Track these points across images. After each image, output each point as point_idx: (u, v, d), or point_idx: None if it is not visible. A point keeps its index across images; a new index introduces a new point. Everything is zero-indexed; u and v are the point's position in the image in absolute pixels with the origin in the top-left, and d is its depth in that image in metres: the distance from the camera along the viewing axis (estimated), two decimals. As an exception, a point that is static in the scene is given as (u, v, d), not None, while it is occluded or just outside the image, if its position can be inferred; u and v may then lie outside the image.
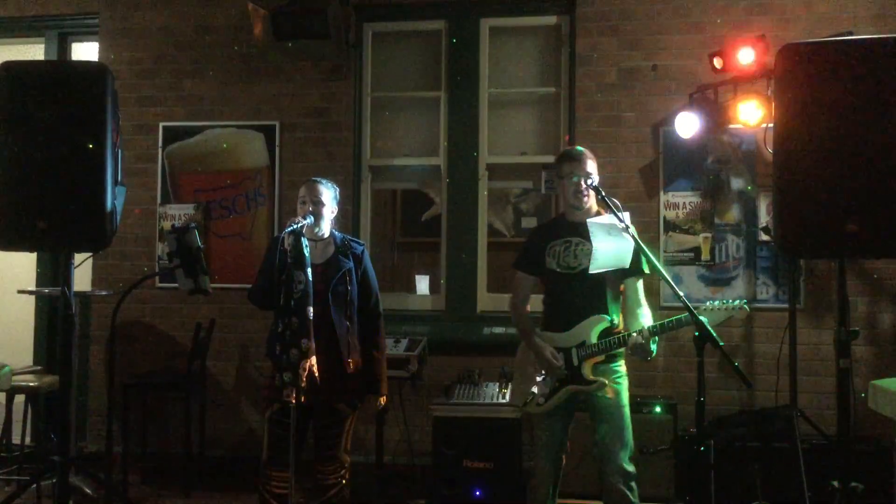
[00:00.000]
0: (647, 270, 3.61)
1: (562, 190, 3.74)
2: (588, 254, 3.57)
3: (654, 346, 3.49)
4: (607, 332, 3.59)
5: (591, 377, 3.58)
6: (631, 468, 3.55)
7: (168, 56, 5.93)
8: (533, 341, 3.69)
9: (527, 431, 4.81)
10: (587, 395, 3.63)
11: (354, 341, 3.75)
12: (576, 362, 3.59)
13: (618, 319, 3.66)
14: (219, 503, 5.03)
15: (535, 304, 3.87)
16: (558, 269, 3.67)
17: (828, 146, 2.87)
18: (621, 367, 3.68)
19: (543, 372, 3.66)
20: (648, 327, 3.48)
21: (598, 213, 3.69)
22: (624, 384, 3.65)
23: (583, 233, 3.60)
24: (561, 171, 3.71)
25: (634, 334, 3.47)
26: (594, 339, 3.58)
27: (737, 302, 3.47)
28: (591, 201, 3.68)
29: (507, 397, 4.78)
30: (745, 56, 4.79)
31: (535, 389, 3.67)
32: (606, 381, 3.58)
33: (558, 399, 3.63)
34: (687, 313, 3.25)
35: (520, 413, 4.44)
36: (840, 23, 5.10)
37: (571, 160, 3.67)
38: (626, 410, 3.61)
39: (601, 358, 3.59)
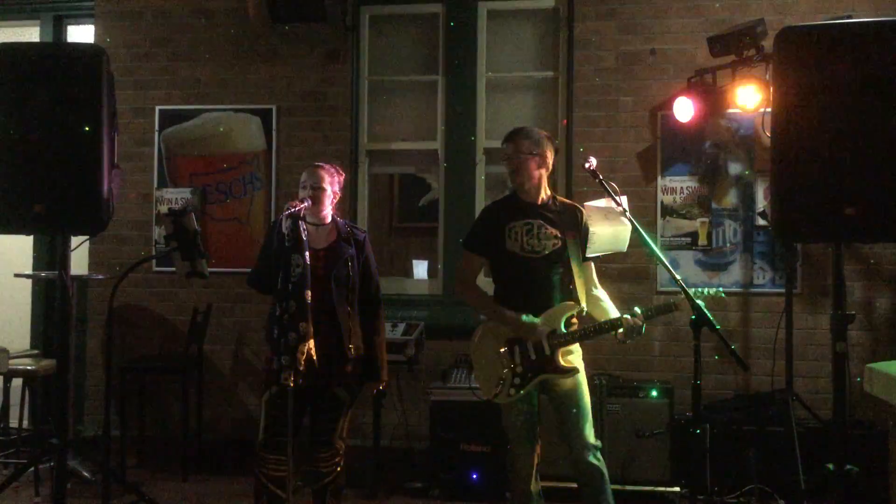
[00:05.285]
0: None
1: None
2: (550, 238, 3.54)
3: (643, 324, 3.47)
4: (571, 319, 3.56)
5: (567, 365, 3.52)
6: (597, 441, 3.55)
7: (164, 39, 5.89)
8: (504, 313, 3.56)
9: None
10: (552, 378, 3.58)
11: (355, 327, 3.75)
12: (548, 351, 3.51)
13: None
14: (216, 486, 5.04)
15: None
16: (520, 252, 3.57)
17: (826, 130, 2.87)
18: (577, 344, 3.63)
19: (517, 349, 3.54)
20: (642, 311, 3.46)
21: (551, 197, 3.66)
22: (580, 358, 3.62)
23: (542, 214, 3.58)
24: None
25: (628, 317, 3.45)
26: (563, 327, 3.53)
27: (713, 290, 3.41)
28: (531, 182, 3.60)
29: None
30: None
31: (503, 379, 3.55)
32: (580, 369, 3.55)
33: (530, 388, 3.55)
34: (675, 298, 3.36)
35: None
36: (839, 6, 5.09)
37: (507, 140, 3.63)
38: (585, 384, 3.59)
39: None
